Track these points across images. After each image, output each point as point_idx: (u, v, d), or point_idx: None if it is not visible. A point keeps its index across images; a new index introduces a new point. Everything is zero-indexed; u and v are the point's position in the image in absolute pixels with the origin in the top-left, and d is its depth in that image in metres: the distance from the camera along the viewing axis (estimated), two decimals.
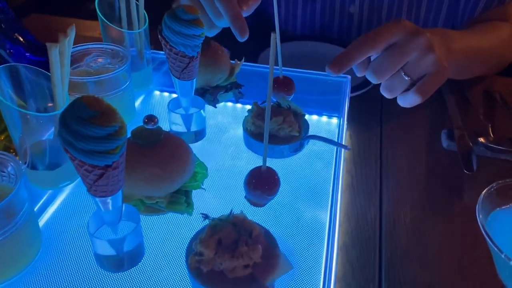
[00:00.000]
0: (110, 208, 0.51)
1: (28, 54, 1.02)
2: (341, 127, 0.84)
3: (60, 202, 0.68)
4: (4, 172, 0.57)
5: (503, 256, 0.44)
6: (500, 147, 0.82)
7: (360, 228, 0.70)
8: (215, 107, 0.81)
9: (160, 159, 0.58)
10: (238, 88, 0.84)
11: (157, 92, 0.97)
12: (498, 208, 0.51)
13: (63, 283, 0.58)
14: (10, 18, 0.99)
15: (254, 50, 1.05)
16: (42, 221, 0.65)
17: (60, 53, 0.55)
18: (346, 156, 0.83)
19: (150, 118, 0.57)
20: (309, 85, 0.92)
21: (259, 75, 0.93)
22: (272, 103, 0.77)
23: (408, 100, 0.71)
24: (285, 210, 0.69)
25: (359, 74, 0.74)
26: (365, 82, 0.96)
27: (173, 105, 0.75)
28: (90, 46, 0.78)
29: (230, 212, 0.55)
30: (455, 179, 0.79)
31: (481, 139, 0.85)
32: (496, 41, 1.00)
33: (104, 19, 0.80)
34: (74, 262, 0.60)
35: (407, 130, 0.91)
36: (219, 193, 0.71)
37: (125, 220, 0.56)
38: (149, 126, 0.57)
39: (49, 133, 0.63)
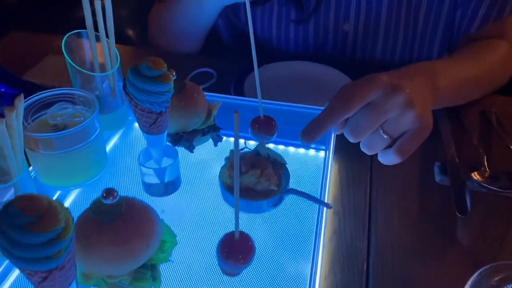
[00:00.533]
0: None
1: (2, 87, 0.98)
2: (326, 161, 0.80)
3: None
4: None
5: None
6: (493, 188, 0.78)
7: (346, 281, 0.67)
8: (192, 152, 0.77)
9: (121, 236, 0.53)
10: (216, 131, 0.78)
11: (136, 124, 0.92)
12: None
13: None
14: None
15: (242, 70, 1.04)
16: None
17: (8, 126, 0.51)
18: (333, 193, 0.79)
19: (109, 192, 0.52)
20: (294, 117, 0.87)
21: (243, 107, 0.88)
22: (249, 151, 0.72)
23: (388, 159, 0.66)
24: (262, 274, 0.65)
25: (337, 133, 0.70)
26: None
27: (144, 157, 0.70)
28: (53, 93, 0.72)
29: None
30: (448, 218, 0.75)
31: (476, 176, 0.80)
32: (491, 64, 0.95)
33: (72, 63, 0.75)
34: None
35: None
36: (190, 258, 0.67)
37: None
38: (108, 201, 0.52)
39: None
